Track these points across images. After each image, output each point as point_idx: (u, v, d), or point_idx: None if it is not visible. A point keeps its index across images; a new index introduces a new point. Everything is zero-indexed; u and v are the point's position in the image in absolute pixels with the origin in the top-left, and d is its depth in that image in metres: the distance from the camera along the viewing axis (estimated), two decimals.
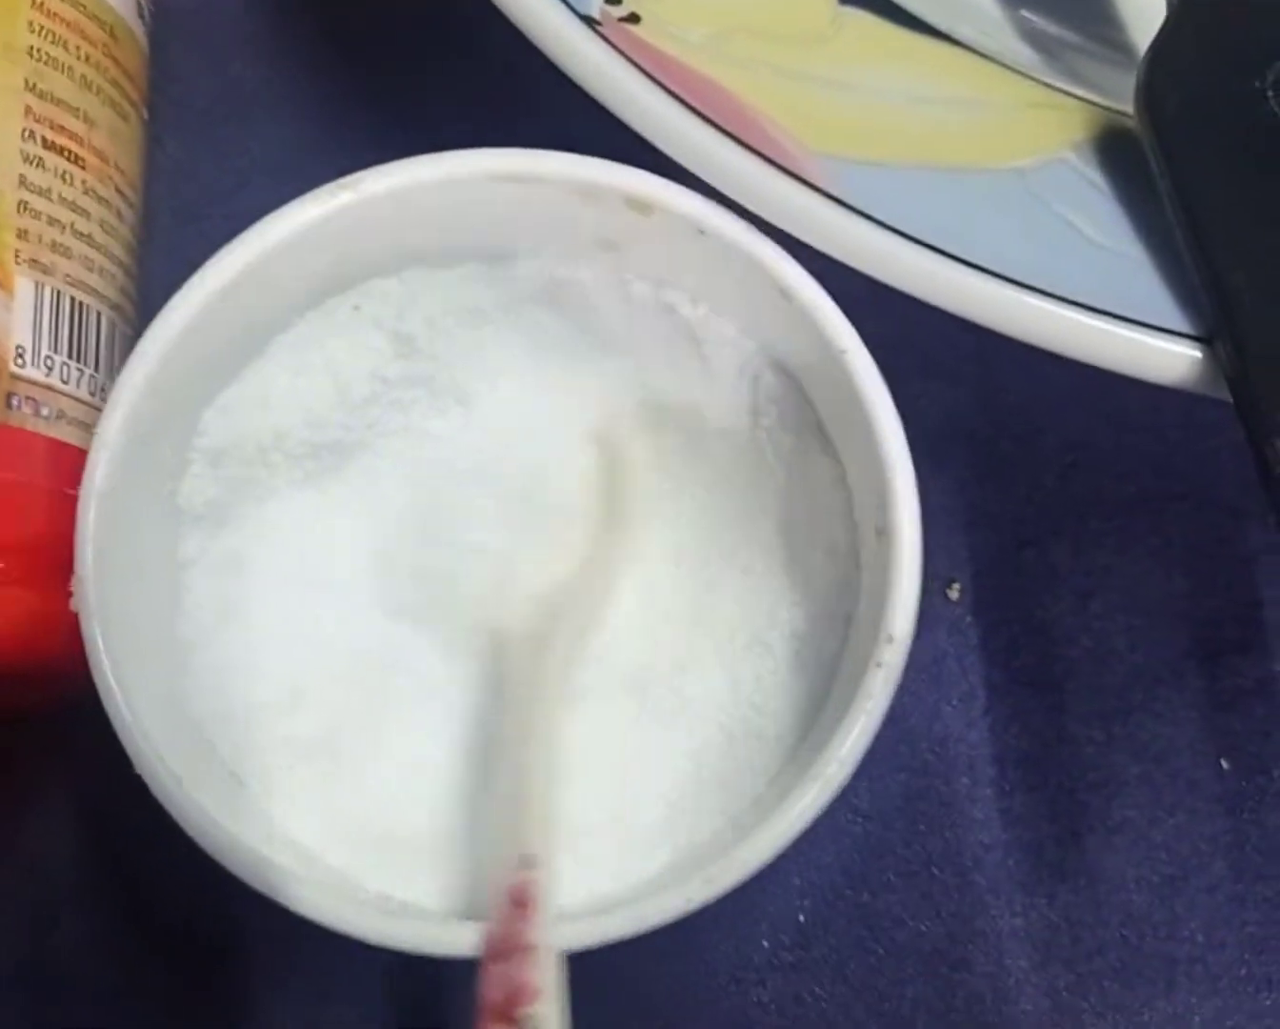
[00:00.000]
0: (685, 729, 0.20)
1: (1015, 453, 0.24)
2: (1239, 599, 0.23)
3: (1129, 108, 0.20)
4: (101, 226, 0.20)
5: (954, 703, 0.22)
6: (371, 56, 0.26)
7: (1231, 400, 0.18)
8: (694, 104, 0.19)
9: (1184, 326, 0.18)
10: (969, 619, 0.23)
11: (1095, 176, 0.20)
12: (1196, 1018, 0.21)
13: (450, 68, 0.25)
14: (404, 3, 0.26)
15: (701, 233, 0.19)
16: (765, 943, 0.21)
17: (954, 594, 0.23)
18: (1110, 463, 0.24)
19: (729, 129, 0.19)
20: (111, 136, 0.20)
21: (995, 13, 0.24)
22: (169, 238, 0.23)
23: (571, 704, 0.21)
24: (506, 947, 0.16)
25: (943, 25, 0.22)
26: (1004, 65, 0.21)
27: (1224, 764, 0.22)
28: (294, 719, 0.20)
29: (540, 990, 0.15)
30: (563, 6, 0.19)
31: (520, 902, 0.16)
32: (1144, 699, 0.23)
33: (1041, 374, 0.24)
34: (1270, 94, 0.19)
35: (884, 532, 0.18)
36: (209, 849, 0.17)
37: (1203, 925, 0.21)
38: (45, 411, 0.19)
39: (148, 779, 0.17)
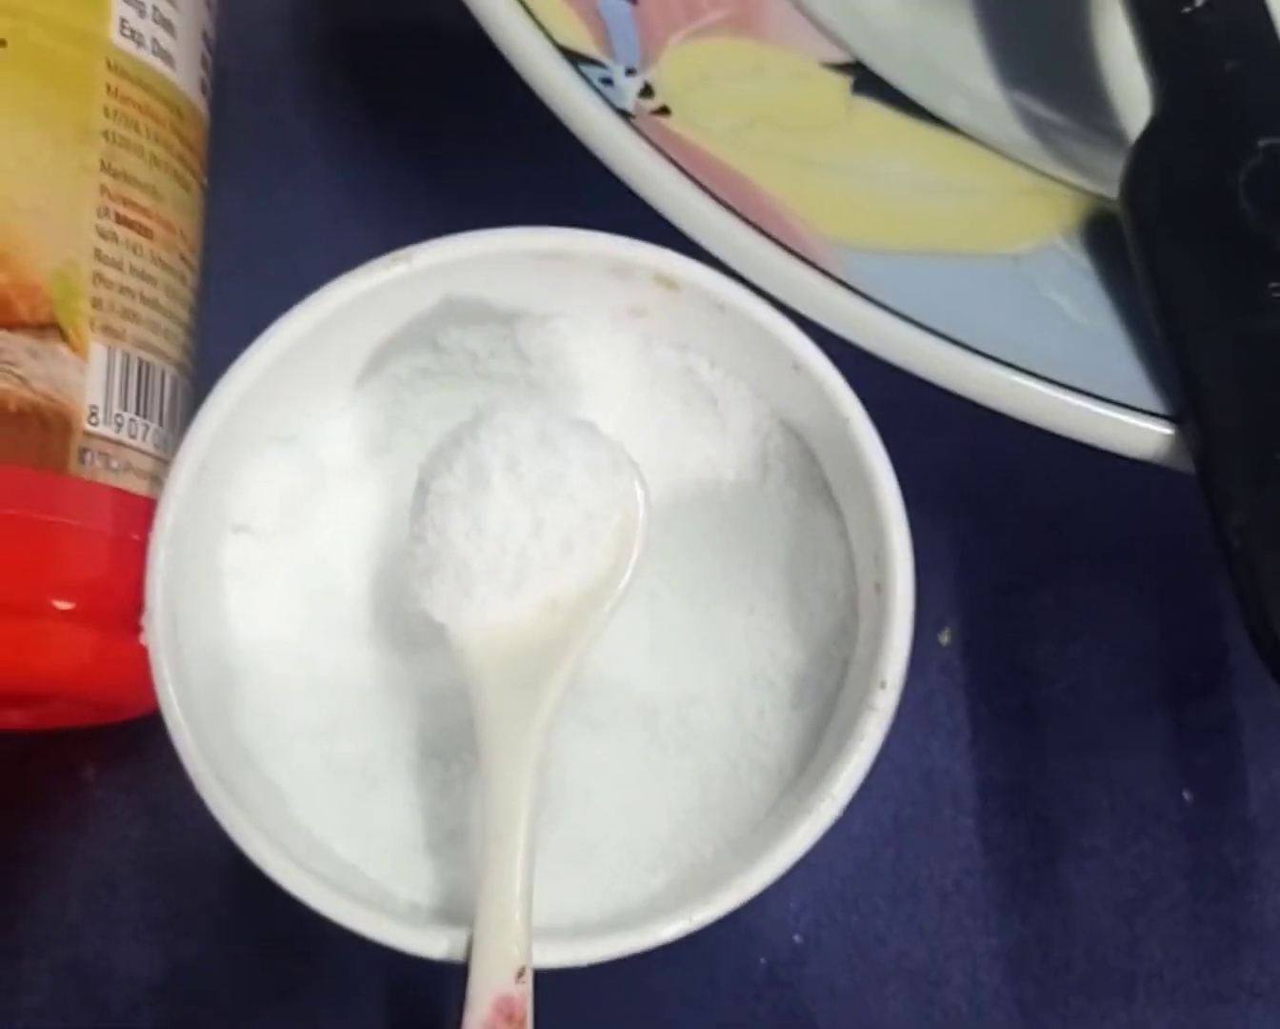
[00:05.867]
0: (692, 757, 0.22)
1: (1005, 507, 0.26)
2: (1206, 644, 0.25)
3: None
4: (167, 292, 0.21)
5: (941, 738, 0.24)
6: (421, 125, 0.28)
7: (1196, 475, 0.19)
8: (717, 192, 0.20)
9: (1157, 406, 0.20)
10: (957, 661, 0.25)
11: (1082, 261, 0.22)
12: (1153, 1027, 0.23)
13: (498, 136, 0.27)
14: (454, 77, 0.27)
15: (721, 308, 0.21)
16: (763, 960, 0.23)
17: (944, 638, 0.25)
18: (1094, 515, 0.26)
19: (749, 216, 0.20)
20: (176, 207, 0.22)
21: (993, 96, 0.25)
22: (225, 292, 0.24)
23: (588, 730, 0.22)
24: None
25: (946, 113, 0.23)
26: (1000, 153, 0.23)
27: (1186, 796, 0.24)
28: (332, 742, 0.22)
29: None
30: (600, 100, 0.21)
31: (511, 1017, 0.17)
32: (1116, 735, 0.24)
33: (1033, 433, 0.26)
34: (1243, 193, 0.21)
35: (881, 586, 0.20)
36: (260, 864, 0.19)
37: (1161, 943, 0.23)
38: (114, 464, 0.20)
39: (207, 799, 0.19)
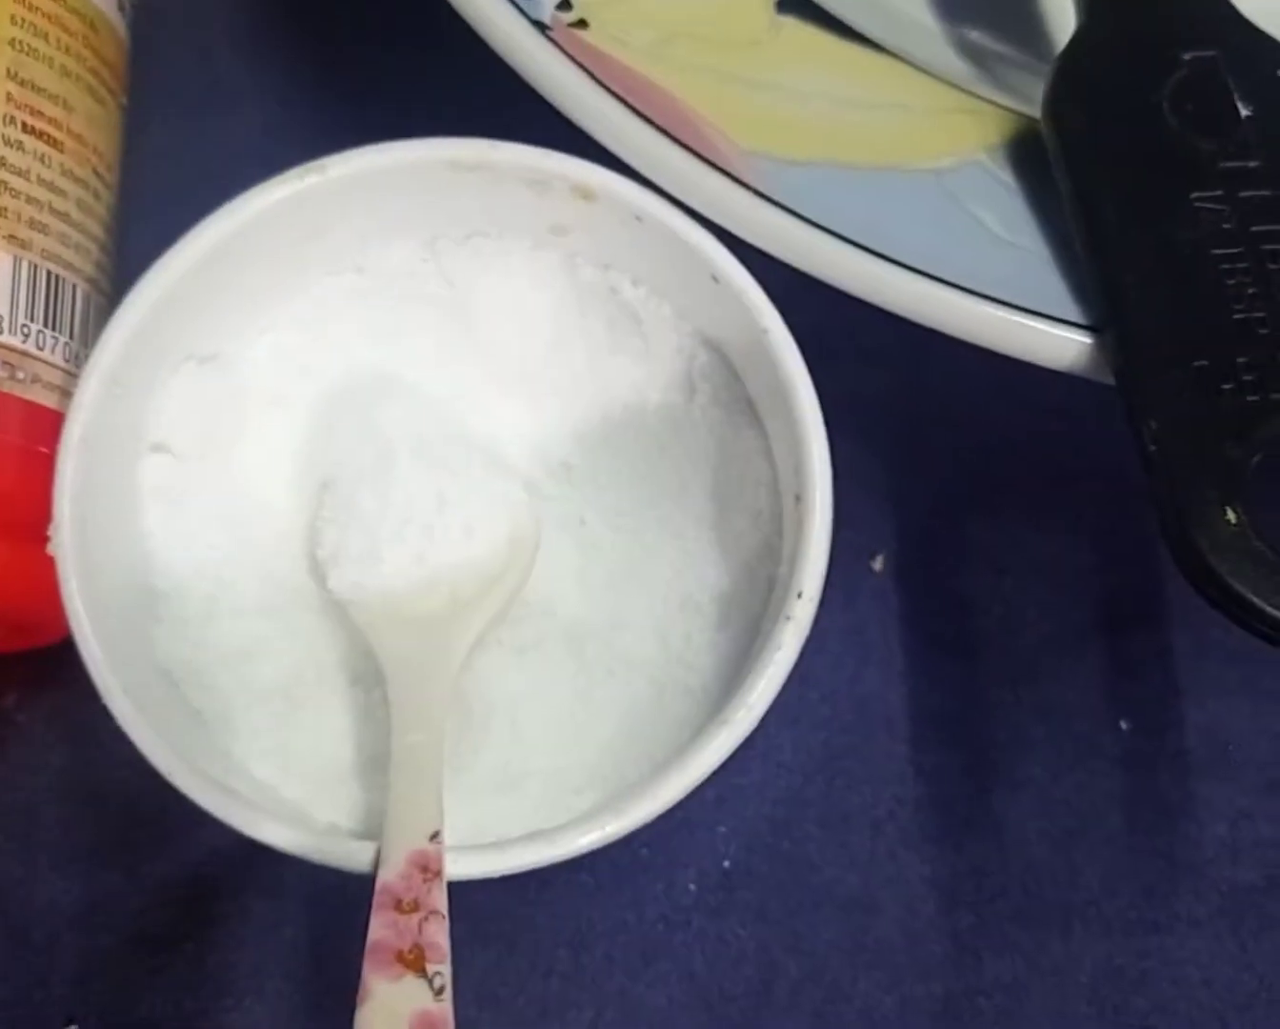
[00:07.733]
0: (619, 683, 0.22)
1: (939, 437, 0.26)
2: (1142, 575, 0.25)
3: None
4: (78, 205, 0.21)
5: (874, 665, 0.24)
6: (346, 51, 0.28)
7: (1115, 384, 0.19)
8: (635, 104, 0.20)
9: (1076, 317, 0.20)
10: (890, 588, 0.24)
11: (1006, 177, 0.21)
12: (1088, 958, 0.23)
13: (420, 64, 0.27)
14: (382, 9, 0.27)
15: (639, 219, 0.21)
16: (692, 887, 0.23)
17: (877, 565, 0.25)
18: (1028, 447, 0.26)
19: (666, 128, 0.20)
20: (89, 121, 0.22)
21: (932, 26, 0.25)
22: (153, 221, 0.23)
23: (515, 656, 0.22)
24: (410, 903, 0.17)
25: (874, 33, 0.23)
26: (927, 72, 0.23)
27: (1123, 726, 0.24)
28: (254, 666, 0.22)
29: (447, 954, 0.17)
30: (515, 12, 0.20)
31: (427, 868, 0.17)
32: (1051, 665, 0.24)
33: (967, 365, 0.25)
34: (1167, 106, 0.21)
35: (800, 497, 0.20)
36: (167, 774, 0.18)
37: (1098, 875, 0.23)
38: (21, 375, 0.20)
39: (114, 711, 0.19)
